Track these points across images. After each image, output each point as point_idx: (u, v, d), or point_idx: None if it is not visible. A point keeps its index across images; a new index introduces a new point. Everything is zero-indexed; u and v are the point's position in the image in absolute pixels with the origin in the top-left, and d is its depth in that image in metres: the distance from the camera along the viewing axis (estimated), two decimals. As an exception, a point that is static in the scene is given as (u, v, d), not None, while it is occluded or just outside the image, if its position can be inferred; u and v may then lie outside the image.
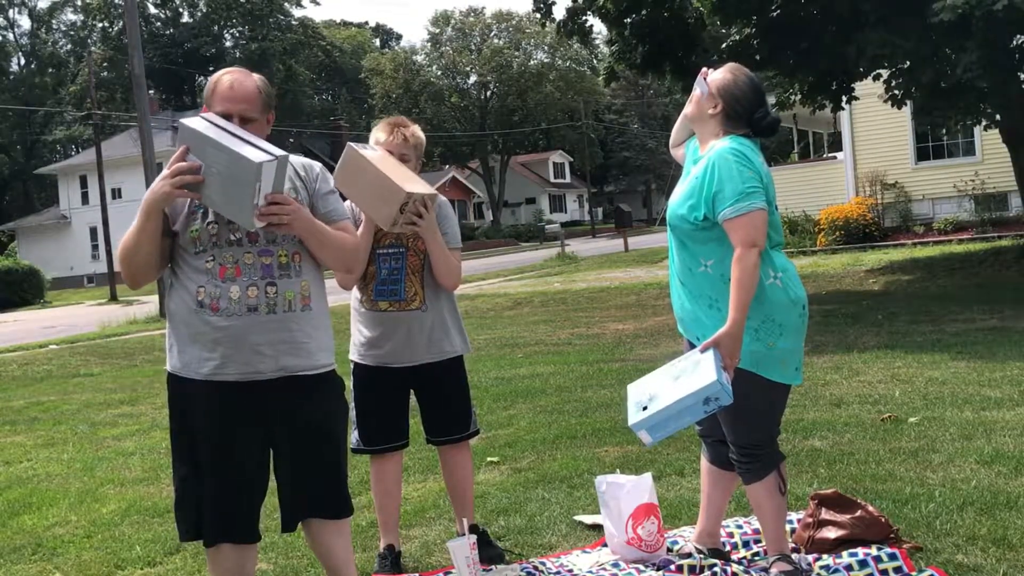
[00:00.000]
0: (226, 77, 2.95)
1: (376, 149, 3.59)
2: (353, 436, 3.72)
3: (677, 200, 3.22)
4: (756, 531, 3.64)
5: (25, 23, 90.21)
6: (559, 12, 15.23)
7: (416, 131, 3.71)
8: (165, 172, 2.77)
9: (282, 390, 2.89)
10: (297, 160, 3.05)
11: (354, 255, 3.14)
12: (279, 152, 2.73)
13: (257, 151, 2.70)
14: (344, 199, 3.61)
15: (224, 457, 2.88)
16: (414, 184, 3.45)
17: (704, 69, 3.31)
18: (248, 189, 2.67)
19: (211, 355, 2.84)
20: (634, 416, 3.04)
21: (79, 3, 64.60)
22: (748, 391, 3.07)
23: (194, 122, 2.77)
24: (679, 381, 3.01)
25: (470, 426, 3.81)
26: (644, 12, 13.81)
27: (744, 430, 3.19)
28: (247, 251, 2.87)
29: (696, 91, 3.26)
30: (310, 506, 3.02)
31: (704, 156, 3.15)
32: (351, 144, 3.44)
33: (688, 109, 3.31)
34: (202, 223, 2.87)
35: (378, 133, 3.68)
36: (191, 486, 2.92)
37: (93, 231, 45.37)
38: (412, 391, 3.78)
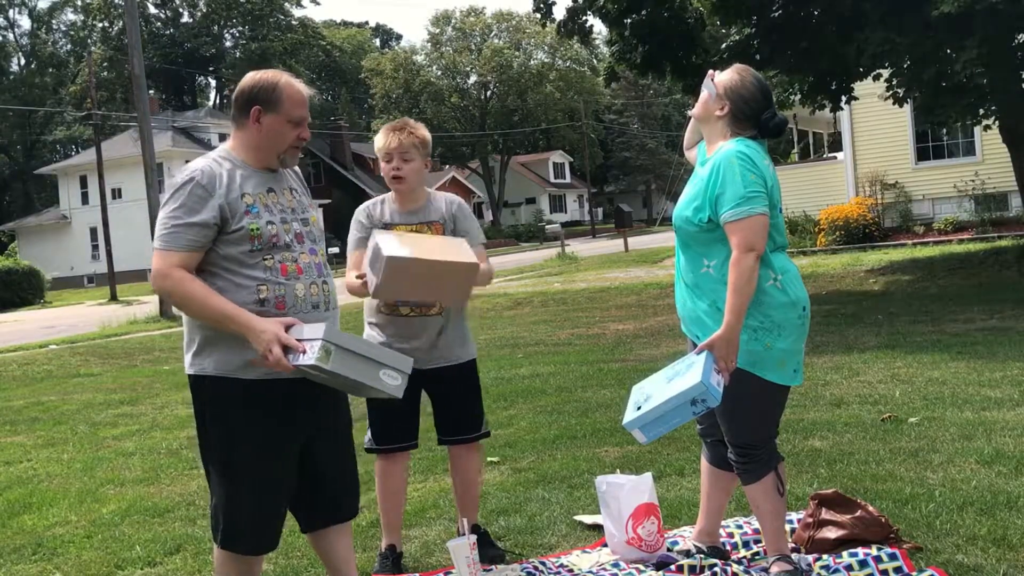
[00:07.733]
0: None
1: (387, 233, 3.40)
2: (365, 435, 3.73)
3: (683, 202, 3.22)
4: (756, 531, 3.63)
5: (25, 23, 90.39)
6: (559, 12, 15.30)
7: (416, 128, 3.68)
8: (279, 337, 2.65)
9: (319, 393, 2.86)
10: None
11: None
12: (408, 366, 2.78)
13: (389, 375, 2.72)
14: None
15: (270, 462, 2.82)
16: (454, 249, 3.33)
17: (711, 71, 3.29)
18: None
19: None
20: (629, 415, 3.08)
21: (79, 3, 64.59)
22: (745, 391, 3.07)
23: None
24: (672, 382, 3.04)
25: (482, 427, 3.82)
26: (644, 12, 13.81)
27: (741, 430, 3.20)
28: (301, 251, 2.88)
29: (704, 92, 3.25)
30: (333, 509, 3.02)
31: (711, 159, 3.15)
32: (379, 246, 3.17)
33: (696, 110, 3.29)
34: (261, 221, 2.81)
35: (378, 139, 3.69)
36: (231, 493, 2.82)
37: (93, 231, 45.33)
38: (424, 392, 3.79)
